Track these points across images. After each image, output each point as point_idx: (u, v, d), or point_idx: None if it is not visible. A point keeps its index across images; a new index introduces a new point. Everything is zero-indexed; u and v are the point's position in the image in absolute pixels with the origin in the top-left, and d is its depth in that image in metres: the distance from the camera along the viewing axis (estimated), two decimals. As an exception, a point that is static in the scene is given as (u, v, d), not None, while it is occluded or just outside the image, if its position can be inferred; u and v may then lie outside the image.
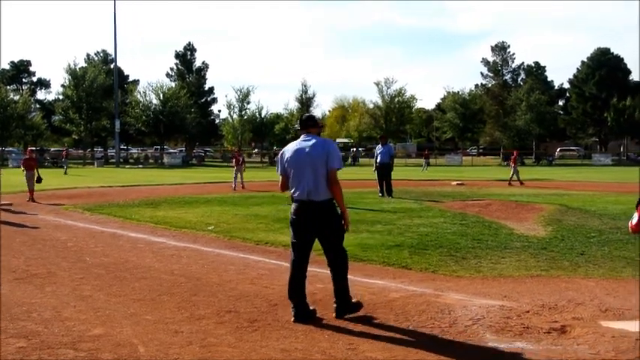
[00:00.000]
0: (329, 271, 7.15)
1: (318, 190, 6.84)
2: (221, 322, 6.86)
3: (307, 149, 6.93)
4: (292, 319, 6.83)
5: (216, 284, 8.81)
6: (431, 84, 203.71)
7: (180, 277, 9.34)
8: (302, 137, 7.12)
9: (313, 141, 6.99)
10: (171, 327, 6.65)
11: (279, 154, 7.27)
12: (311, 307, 7.06)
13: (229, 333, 6.47)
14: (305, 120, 7.31)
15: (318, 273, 9.46)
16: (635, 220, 5.52)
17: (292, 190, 7.01)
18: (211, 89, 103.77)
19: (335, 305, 7.06)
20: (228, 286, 8.66)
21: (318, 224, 6.93)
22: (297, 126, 7.91)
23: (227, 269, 9.89)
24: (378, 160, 23.51)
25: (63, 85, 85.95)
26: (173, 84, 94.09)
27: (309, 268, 7.10)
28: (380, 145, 24.41)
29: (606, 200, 21.69)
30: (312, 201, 6.86)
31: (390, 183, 23.16)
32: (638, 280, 8.94)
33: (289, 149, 7.13)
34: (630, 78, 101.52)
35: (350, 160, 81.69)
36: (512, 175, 33.85)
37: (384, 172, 23.30)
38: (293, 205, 7.06)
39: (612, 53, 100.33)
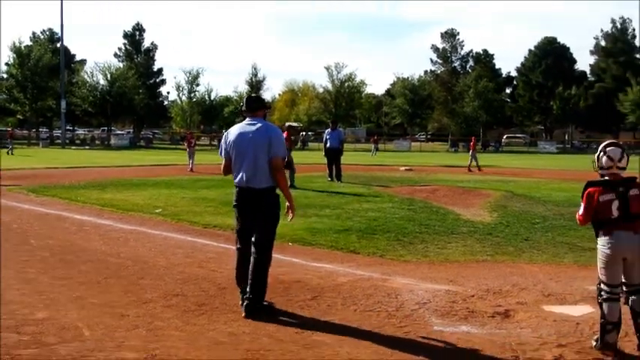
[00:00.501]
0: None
1: (257, 176, 6.56)
2: (168, 306, 6.82)
3: (250, 134, 6.64)
4: (240, 302, 6.69)
5: (163, 267, 8.74)
6: (381, 69, 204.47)
7: (127, 260, 9.24)
8: (247, 120, 6.83)
9: (258, 125, 6.68)
10: (117, 310, 6.58)
11: (223, 136, 7.02)
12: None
13: (176, 317, 6.43)
14: (251, 101, 6.97)
15: (284, 260, 9.50)
16: (581, 210, 5.59)
17: (234, 175, 6.78)
18: (160, 70, 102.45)
19: (246, 302, 6.55)
20: (176, 269, 8.60)
21: (257, 211, 6.62)
22: (243, 107, 7.38)
23: (175, 252, 9.81)
24: (327, 145, 23.54)
25: (7, 64, 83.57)
26: (121, 64, 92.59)
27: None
28: (330, 130, 24.44)
29: (550, 187, 22.12)
30: (251, 188, 6.59)
31: (340, 167, 23.21)
32: None
33: (232, 132, 6.85)
34: (575, 67, 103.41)
35: (299, 144, 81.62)
36: (471, 161, 33.94)
37: (334, 156, 23.35)
38: (234, 191, 6.85)
39: (559, 42, 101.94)
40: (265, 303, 6.68)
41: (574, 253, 10.35)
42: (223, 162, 6.93)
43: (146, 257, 9.47)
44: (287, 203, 6.78)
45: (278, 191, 6.75)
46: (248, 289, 6.57)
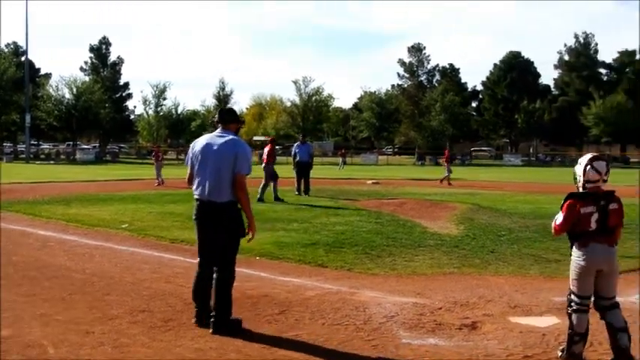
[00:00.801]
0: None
1: (219, 190, 6.37)
2: (134, 322, 6.74)
3: (216, 146, 6.46)
4: (193, 319, 6.57)
5: (129, 283, 8.65)
6: (348, 83, 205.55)
7: (93, 276, 9.12)
8: (217, 131, 6.66)
9: (226, 138, 6.50)
10: (82, 327, 6.49)
11: (191, 145, 6.82)
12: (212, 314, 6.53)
13: (143, 333, 6.36)
14: (224, 113, 6.81)
15: (252, 274, 9.45)
16: (559, 220, 5.56)
17: (194, 187, 6.58)
18: (127, 84, 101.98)
19: (212, 320, 6.41)
20: (142, 285, 8.51)
21: (218, 226, 6.45)
22: (215, 118, 7.25)
23: (141, 268, 9.72)
24: (297, 158, 23.56)
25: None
26: (87, 78, 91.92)
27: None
28: (299, 143, 24.48)
29: (516, 200, 22.33)
30: (213, 202, 6.41)
31: (309, 181, 23.25)
32: None
33: (200, 142, 6.66)
34: (540, 81, 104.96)
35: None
36: (447, 174, 34.06)
37: (304, 170, 23.38)
38: (194, 204, 6.63)
39: (523, 57, 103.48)
40: (233, 318, 6.57)
41: (540, 264, 10.44)
42: (188, 171, 6.72)
43: (112, 273, 9.36)
44: (247, 222, 6.59)
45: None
46: (213, 306, 6.47)
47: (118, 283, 8.63)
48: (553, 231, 5.70)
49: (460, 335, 6.50)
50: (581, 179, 5.51)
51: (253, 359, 5.64)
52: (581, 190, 5.54)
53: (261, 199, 19.87)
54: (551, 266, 10.23)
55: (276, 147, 26.78)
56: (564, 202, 5.53)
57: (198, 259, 6.71)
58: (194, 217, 6.62)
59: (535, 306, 7.66)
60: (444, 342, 6.25)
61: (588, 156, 5.60)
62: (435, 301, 7.81)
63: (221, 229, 6.45)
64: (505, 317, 7.17)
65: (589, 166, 5.47)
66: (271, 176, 20.91)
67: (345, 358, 5.74)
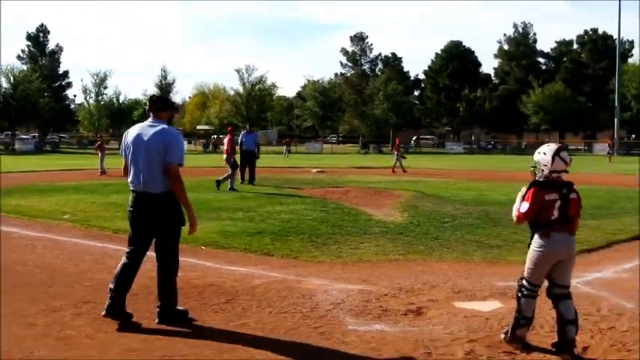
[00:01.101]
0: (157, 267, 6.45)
1: (154, 181, 6.19)
2: (78, 314, 6.64)
3: (147, 137, 6.24)
4: (103, 312, 6.25)
5: (72, 274, 8.52)
6: (291, 72, 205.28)
7: (35, 267, 8.96)
8: (148, 121, 6.42)
9: (157, 128, 6.27)
10: (25, 320, 6.37)
11: (123, 136, 6.59)
12: (128, 311, 6.35)
13: (87, 324, 6.27)
14: (155, 101, 6.53)
15: (180, 261, 9.38)
16: (524, 208, 5.52)
17: (129, 179, 6.39)
18: (66, 73, 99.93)
19: (157, 310, 6.37)
20: (86, 275, 8.39)
21: (155, 219, 6.27)
22: (146, 107, 7.01)
23: (84, 259, 9.57)
24: (243, 147, 23.48)
25: None
26: (25, 67, 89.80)
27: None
28: (245, 132, 24.40)
29: (459, 187, 22.65)
30: (148, 192, 6.22)
31: (254, 171, 23.21)
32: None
33: (131, 132, 6.44)
34: (480, 70, 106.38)
35: (211, 147, 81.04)
36: (396, 162, 34.08)
37: (250, 159, 23.34)
38: (130, 196, 6.42)
39: (464, 46, 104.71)
40: (179, 309, 6.52)
41: (482, 250, 10.63)
42: (123, 162, 6.53)
43: (54, 264, 9.21)
44: (186, 212, 6.44)
45: None
46: (157, 296, 6.40)
47: (60, 275, 8.50)
48: (516, 219, 5.67)
49: (406, 321, 6.59)
50: (547, 168, 5.52)
51: (200, 348, 5.62)
52: (542, 179, 5.58)
53: (232, 188, 20.04)
54: (493, 252, 10.42)
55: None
56: (527, 190, 5.58)
57: (127, 249, 6.47)
58: (129, 209, 6.40)
59: (478, 291, 7.81)
60: (389, 328, 6.33)
61: (553, 146, 5.63)
62: (381, 288, 7.89)
63: (159, 220, 6.29)
64: (449, 302, 7.29)
65: (557, 157, 5.51)
66: (232, 166, 20.89)
67: (293, 345, 5.76)
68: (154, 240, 6.40)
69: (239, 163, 23.24)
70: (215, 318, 6.59)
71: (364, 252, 10.40)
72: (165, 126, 6.36)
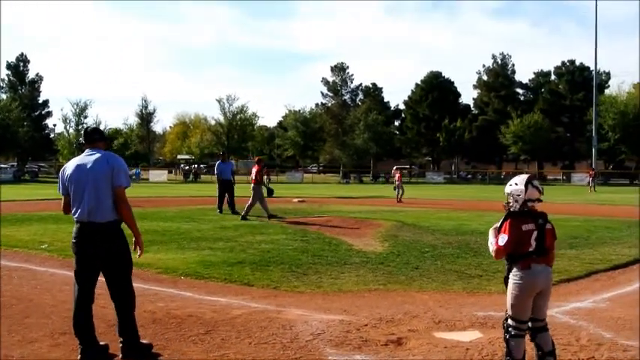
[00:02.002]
0: (115, 305, 6.34)
1: (100, 209, 6.08)
2: (55, 345, 6.57)
3: (89, 165, 6.16)
4: (79, 357, 6.12)
5: (50, 305, 8.43)
6: (273, 102, 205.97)
7: (12, 298, 8.85)
8: (86, 152, 6.35)
9: (98, 155, 6.22)
10: (1, 352, 6.28)
11: (60, 171, 6.44)
12: (102, 343, 6.33)
13: (64, 356, 6.21)
14: (90, 132, 6.50)
15: (159, 292, 9.32)
16: (503, 241, 5.40)
17: (73, 211, 6.23)
18: (46, 102, 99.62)
19: (120, 345, 6.25)
20: (63, 306, 8.27)
21: (102, 250, 6.12)
22: (82, 139, 6.98)
23: (62, 289, 9.45)
24: (222, 177, 23.51)
25: None
26: (4, 96, 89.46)
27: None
28: (221, 161, 24.40)
29: (439, 216, 22.70)
30: (94, 222, 6.09)
31: (234, 199, 23.20)
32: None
33: (70, 166, 6.31)
34: (460, 100, 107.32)
35: (192, 176, 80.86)
36: (399, 192, 34.75)
37: (229, 188, 23.36)
38: (74, 228, 6.26)
39: (444, 77, 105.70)
40: (143, 343, 6.40)
41: (462, 280, 10.65)
42: (63, 199, 6.41)
43: (31, 295, 9.10)
44: (134, 237, 6.35)
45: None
46: (118, 331, 6.28)
47: (37, 306, 8.40)
48: (495, 253, 5.52)
49: (386, 351, 6.57)
50: (522, 198, 5.47)
51: (179, 380, 5.57)
52: (517, 209, 5.51)
53: (244, 218, 20.12)
54: (473, 282, 10.45)
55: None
56: (503, 222, 5.48)
57: (75, 289, 6.29)
58: (73, 241, 6.23)
59: (459, 321, 7.81)
60: (370, 358, 6.31)
61: (524, 176, 5.61)
62: (361, 318, 7.87)
63: (107, 252, 6.15)
64: (430, 332, 7.28)
65: (530, 185, 5.48)
66: (258, 196, 21.00)
67: (273, 376, 5.72)
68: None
69: (218, 193, 23.24)
70: (194, 349, 6.54)
71: (345, 282, 10.39)
72: (104, 152, 6.31)
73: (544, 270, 5.48)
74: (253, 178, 21.46)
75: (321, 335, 7.09)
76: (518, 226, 5.40)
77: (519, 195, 5.50)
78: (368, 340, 6.91)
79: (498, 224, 5.55)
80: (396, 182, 35.83)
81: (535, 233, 5.42)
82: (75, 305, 6.25)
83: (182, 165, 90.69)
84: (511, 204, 5.57)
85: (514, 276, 5.47)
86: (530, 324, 5.53)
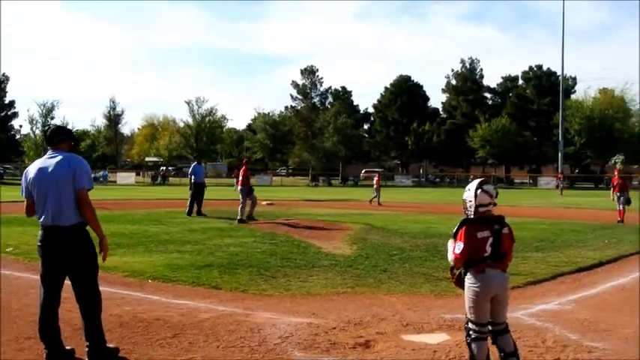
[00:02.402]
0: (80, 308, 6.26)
1: (64, 213, 6.00)
2: (21, 350, 6.48)
3: (50, 168, 6.07)
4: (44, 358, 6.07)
5: (15, 309, 8.30)
6: (242, 105, 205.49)
7: (-26, 302, 8.70)
8: (48, 154, 6.24)
9: (59, 158, 6.11)
10: (-37, 357, 6.18)
11: (23, 174, 6.34)
12: (68, 347, 6.26)
13: (29, 361, 6.12)
14: (51, 134, 6.32)
15: (126, 295, 9.23)
16: (459, 249, 5.44)
17: (38, 215, 6.15)
18: (12, 103, 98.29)
19: (87, 349, 6.16)
20: (29, 310, 8.13)
21: (67, 254, 6.06)
22: (46, 141, 6.85)
23: (27, 293, 9.30)
24: (195, 180, 23.55)
25: None
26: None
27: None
28: (196, 164, 24.51)
29: (406, 220, 22.81)
30: (58, 226, 6.02)
31: (202, 202, 23.15)
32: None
33: (32, 169, 6.23)
34: (429, 104, 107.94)
35: (160, 179, 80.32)
36: (376, 196, 34.97)
37: (201, 191, 23.45)
38: (39, 232, 6.20)
39: (413, 81, 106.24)
40: (110, 347, 6.34)
41: (430, 283, 10.70)
42: (25, 202, 6.32)
43: (-5, 299, 8.96)
44: (98, 239, 6.22)
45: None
46: (85, 337, 6.20)
47: (3, 309, 8.25)
48: (453, 262, 5.57)
49: (354, 354, 6.57)
50: (473, 204, 5.50)
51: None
52: (472, 215, 5.55)
53: (242, 220, 20.11)
54: (441, 284, 10.49)
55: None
56: (459, 230, 5.49)
57: (41, 293, 6.22)
58: (39, 244, 6.17)
59: (426, 323, 7.85)
60: (338, 361, 6.30)
61: (476, 181, 5.62)
62: (330, 321, 7.88)
63: (71, 255, 6.08)
64: (398, 335, 7.30)
65: (479, 190, 5.49)
66: (248, 196, 21.06)
67: (240, 380, 5.70)
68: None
69: (191, 195, 23.12)
70: (162, 353, 6.49)
71: (313, 285, 10.38)
72: (65, 154, 6.19)
73: (499, 275, 5.48)
74: (240, 179, 21.44)
75: (289, 338, 7.08)
76: (473, 234, 5.42)
77: (471, 201, 5.54)
78: (336, 343, 6.91)
79: (454, 231, 5.55)
80: (374, 185, 36.06)
81: (490, 240, 5.44)
82: (40, 309, 6.18)
83: (162, 168, 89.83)
84: (467, 210, 5.59)
85: (469, 280, 5.50)
86: (490, 327, 5.55)
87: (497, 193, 5.59)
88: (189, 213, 22.75)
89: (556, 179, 65.70)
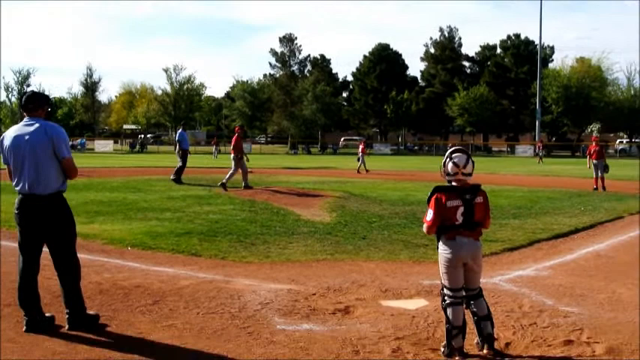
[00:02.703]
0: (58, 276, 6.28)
1: (41, 182, 5.99)
2: (0, 317, 6.46)
3: (27, 136, 6.01)
4: (24, 328, 6.06)
5: (-7, 277, 8.26)
6: (220, 73, 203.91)
7: (-48, 270, 8.65)
8: (24, 121, 6.17)
9: (36, 126, 6.04)
10: (-59, 324, 6.15)
11: (0, 141, 6.27)
12: (47, 315, 6.27)
13: (9, 328, 6.12)
14: (26, 100, 6.21)
15: (105, 262, 9.23)
16: (429, 216, 5.53)
17: (15, 182, 6.13)
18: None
19: (67, 316, 6.18)
20: (8, 278, 8.10)
21: (44, 223, 6.07)
22: (22, 107, 6.72)
23: (6, 261, 9.25)
24: (183, 147, 23.76)
25: None
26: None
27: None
28: (182, 131, 24.66)
29: (386, 187, 22.90)
30: (35, 194, 6.00)
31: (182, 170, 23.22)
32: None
33: (8, 135, 6.16)
34: (408, 73, 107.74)
35: (138, 147, 79.84)
36: (361, 164, 34.93)
37: (186, 157, 23.64)
38: (16, 199, 6.16)
39: (392, 49, 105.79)
40: (90, 313, 6.34)
41: (409, 249, 10.77)
42: (7, 169, 6.25)
43: (-27, 267, 8.91)
44: None
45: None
46: (64, 303, 6.21)
47: (-20, 278, 8.22)
48: (425, 229, 5.63)
49: (334, 320, 6.63)
50: (444, 172, 5.59)
51: (126, 350, 5.54)
52: (446, 183, 5.62)
53: (223, 185, 20.27)
54: (419, 251, 10.58)
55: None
56: (430, 197, 5.54)
57: (20, 260, 6.22)
58: (16, 212, 6.14)
59: (405, 289, 7.92)
60: (318, 327, 6.36)
61: (450, 150, 5.67)
62: (309, 287, 7.93)
63: (50, 224, 6.09)
64: (377, 301, 7.38)
65: (448, 159, 5.54)
66: (240, 165, 21.10)
67: (221, 345, 5.74)
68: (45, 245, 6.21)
69: (182, 162, 23.13)
70: (142, 319, 6.51)
71: (292, 252, 10.43)
72: (42, 122, 6.12)
73: (469, 243, 5.52)
74: (232, 147, 21.40)
75: (269, 305, 7.12)
76: (441, 202, 5.47)
77: (443, 169, 5.61)
78: (316, 309, 6.97)
79: (427, 198, 5.60)
80: (359, 154, 36.08)
81: (462, 209, 5.47)
82: (20, 276, 6.19)
83: (141, 136, 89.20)
84: (443, 177, 5.66)
85: (441, 247, 5.58)
86: (464, 292, 5.63)
87: (467, 163, 5.53)
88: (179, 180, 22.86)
89: (535, 147, 66.03)
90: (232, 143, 21.57)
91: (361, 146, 36.95)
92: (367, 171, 34.14)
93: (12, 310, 6.65)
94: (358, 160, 35.66)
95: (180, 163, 23.22)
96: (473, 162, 5.60)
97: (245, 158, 21.38)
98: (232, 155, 21.28)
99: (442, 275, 5.62)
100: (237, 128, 22.79)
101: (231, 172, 20.91)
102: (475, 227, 5.56)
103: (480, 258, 5.68)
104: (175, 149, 24.49)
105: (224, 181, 20.43)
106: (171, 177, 23.06)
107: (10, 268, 8.71)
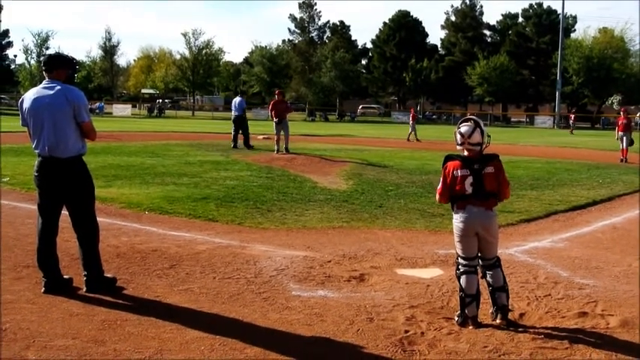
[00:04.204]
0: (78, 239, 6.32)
1: (61, 146, 5.98)
2: (18, 278, 6.55)
3: (47, 99, 5.98)
4: (42, 289, 6.11)
5: (12, 238, 8.36)
6: (239, 38, 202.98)
7: (-28, 231, 8.76)
8: (44, 83, 6.13)
9: (56, 89, 5.99)
10: (-38, 283, 6.25)
11: (19, 103, 6.27)
12: (66, 276, 6.34)
13: (27, 289, 6.19)
14: (48, 60, 6.19)
15: (123, 226, 9.30)
16: (440, 186, 5.65)
17: (34, 145, 6.12)
18: (6, 32, 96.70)
19: (85, 278, 6.22)
20: (26, 240, 8.20)
21: (64, 185, 6.09)
22: (43, 68, 6.69)
23: (24, 222, 9.37)
24: (236, 113, 24.34)
25: None
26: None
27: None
28: (238, 97, 25.18)
29: (402, 156, 22.88)
30: (55, 157, 5.99)
31: (248, 135, 24.23)
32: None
33: (27, 97, 6.14)
34: (427, 41, 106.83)
35: (156, 111, 79.88)
36: (411, 132, 35.03)
37: (239, 124, 24.14)
38: (36, 161, 6.19)
39: (412, 16, 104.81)
40: (107, 276, 6.40)
41: (425, 219, 10.77)
42: (27, 130, 6.23)
43: (-7, 228, 9.02)
44: None
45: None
46: (82, 265, 6.26)
47: (1, 238, 8.32)
48: (438, 197, 5.76)
49: (348, 287, 6.67)
50: (456, 142, 5.61)
51: (143, 312, 5.59)
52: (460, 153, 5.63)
53: (249, 146, 22.10)
54: (435, 220, 10.57)
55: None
56: (443, 165, 5.63)
57: (39, 222, 6.26)
58: (35, 174, 6.17)
59: (420, 258, 7.94)
60: (332, 294, 6.40)
61: (462, 119, 5.67)
62: (325, 255, 7.96)
63: (70, 187, 6.12)
64: (392, 269, 7.40)
65: (457, 129, 5.55)
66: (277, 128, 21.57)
67: (237, 310, 5.79)
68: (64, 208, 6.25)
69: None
70: (159, 283, 6.57)
71: (309, 219, 10.45)
72: (62, 86, 6.08)
73: (480, 212, 5.50)
74: (270, 112, 22.10)
75: (284, 271, 7.17)
76: (450, 171, 5.55)
77: (455, 140, 5.61)
78: (331, 276, 7.00)
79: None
80: (411, 121, 36.06)
81: (470, 178, 5.48)
82: (38, 238, 6.25)
83: (159, 100, 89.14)
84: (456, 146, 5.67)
85: (454, 216, 5.63)
86: (480, 262, 5.65)
87: (472, 133, 5.47)
88: (234, 144, 23.75)
89: (568, 118, 65.58)
90: (270, 108, 21.85)
91: (412, 113, 36.91)
92: (418, 140, 34.02)
93: (31, 271, 6.73)
94: (410, 128, 35.48)
95: (240, 131, 23.99)
96: (483, 132, 5.53)
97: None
98: (276, 120, 21.56)
99: (456, 244, 5.67)
100: (277, 92, 23.48)
101: (285, 136, 21.44)
102: (487, 197, 5.53)
103: (493, 228, 5.64)
104: (233, 116, 24.83)
105: (286, 146, 21.11)
106: (248, 146, 23.61)
107: (27, 230, 8.82)
